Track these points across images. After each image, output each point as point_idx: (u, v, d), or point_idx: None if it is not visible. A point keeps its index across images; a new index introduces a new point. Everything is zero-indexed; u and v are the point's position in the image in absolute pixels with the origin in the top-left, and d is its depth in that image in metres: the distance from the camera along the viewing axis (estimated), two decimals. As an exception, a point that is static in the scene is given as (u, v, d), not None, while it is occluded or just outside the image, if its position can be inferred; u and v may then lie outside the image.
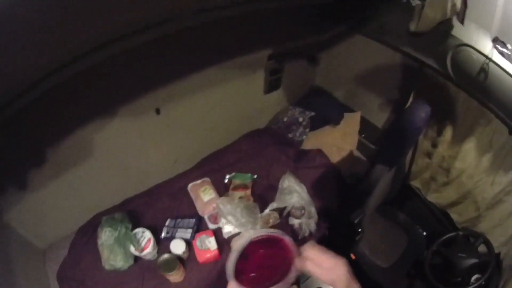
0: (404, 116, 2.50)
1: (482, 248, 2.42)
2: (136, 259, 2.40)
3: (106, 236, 2.32)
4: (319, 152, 3.16)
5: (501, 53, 2.20)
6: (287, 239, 0.96)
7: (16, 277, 2.14)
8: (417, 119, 2.40)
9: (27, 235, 2.45)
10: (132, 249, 2.33)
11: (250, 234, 0.97)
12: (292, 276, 0.89)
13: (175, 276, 2.28)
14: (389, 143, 2.82)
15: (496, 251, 2.46)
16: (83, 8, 1.28)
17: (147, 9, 1.58)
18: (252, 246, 0.98)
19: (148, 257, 2.40)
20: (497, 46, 2.20)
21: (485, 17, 2.27)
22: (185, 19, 1.95)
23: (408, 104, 2.70)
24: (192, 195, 2.81)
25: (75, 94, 2.08)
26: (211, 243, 2.41)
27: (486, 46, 2.24)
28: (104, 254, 2.31)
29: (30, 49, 1.32)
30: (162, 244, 2.49)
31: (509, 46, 2.17)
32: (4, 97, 1.59)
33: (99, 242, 2.36)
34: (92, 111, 2.32)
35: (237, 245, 0.98)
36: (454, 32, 2.36)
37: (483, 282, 2.27)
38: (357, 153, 3.31)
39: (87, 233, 2.57)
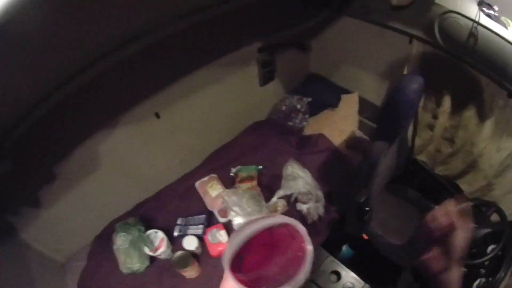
0: (396, 89, 2.38)
1: (495, 217, 2.39)
2: (152, 260, 2.45)
3: (121, 241, 2.37)
4: (321, 136, 3.18)
5: (488, 15, 2.19)
6: (299, 226, 0.83)
7: None
8: (410, 91, 2.28)
9: (46, 250, 2.49)
10: (146, 250, 2.37)
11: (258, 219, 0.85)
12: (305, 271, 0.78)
13: (191, 272, 2.32)
14: (385, 119, 2.70)
15: (510, 218, 2.39)
16: (83, 18, 1.34)
17: (142, 15, 1.65)
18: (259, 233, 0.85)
19: (163, 257, 2.43)
20: (483, 8, 2.18)
21: None
22: (177, 22, 2.05)
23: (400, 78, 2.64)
24: (200, 192, 2.85)
25: (76, 108, 2.13)
26: (222, 236, 2.45)
27: (472, 10, 2.21)
28: (121, 258, 2.36)
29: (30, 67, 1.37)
30: (175, 243, 2.53)
31: (495, 8, 2.16)
32: (9, 121, 1.65)
33: (115, 247, 2.40)
34: (94, 123, 2.37)
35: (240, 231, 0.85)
36: (437, 0, 2.35)
37: (499, 252, 2.20)
38: (359, 133, 3.34)
39: (103, 241, 2.61)
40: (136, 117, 2.58)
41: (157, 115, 2.73)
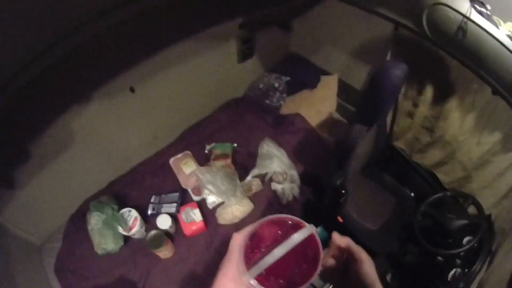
0: (380, 74, 2.39)
1: (472, 210, 2.46)
2: (126, 240, 2.43)
3: (95, 221, 2.35)
4: (298, 116, 3.17)
5: (480, 13, 2.15)
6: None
7: (14, 275, 2.16)
8: (393, 76, 2.32)
9: (21, 232, 2.46)
10: (120, 229, 2.34)
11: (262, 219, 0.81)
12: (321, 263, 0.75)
13: (165, 252, 2.30)
14: (366, 102, 2.71)
15: (487, 212, 2.47)
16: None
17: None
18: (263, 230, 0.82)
19: (137, 236, 2.42)
20: (475, 5, 2.15)
21: None
22: None
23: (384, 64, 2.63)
24: (174, 169, 2.83)
25: (49, 84, 2.04)
26: (196, 215, 2.44)
27: (464, 5, 2.17)
28: (95, 239, 2.35)
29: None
30: (149, 222, 2.51)
31: (488, 6, 2.13)
32: None
33: (89, 227, 2.38)
34: (68, 98, 2.30)
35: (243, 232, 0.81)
36: None
37: (475, 244, 2.26)
38: (336, 116, 3.34)
39: (78, 220, 2.59)
40: (110, 91, 2.51)
41: (132, 90, 2.66)
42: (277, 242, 0.76)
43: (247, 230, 0.80)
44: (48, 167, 2.42)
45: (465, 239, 2.28)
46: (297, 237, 0.75)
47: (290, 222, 0.78)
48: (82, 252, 2.42)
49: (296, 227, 0.78)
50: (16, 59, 1.56)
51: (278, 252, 0.74)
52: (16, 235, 2.42)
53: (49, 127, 2.29)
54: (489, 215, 2.54)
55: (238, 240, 0.79)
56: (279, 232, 0.79)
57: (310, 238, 0.77)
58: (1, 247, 2.23)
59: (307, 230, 0.76)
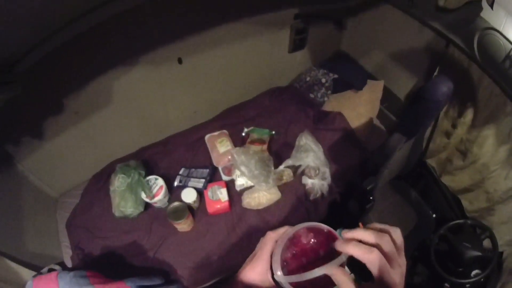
0: (426, 87, 2.40)
1: (487, 243, 2.37)
2: (147, 207, 2.35)
3: (119, 183, 2.26)
4: (339, 115, 3.04)
5: None
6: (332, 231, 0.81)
7: (23, 222, 2.13)
8: (439, 92, 2.33)
9: (40, 183, 2.41)
10: (143, 195, 2.25)
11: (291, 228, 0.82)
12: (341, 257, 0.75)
13: (183, 225, 2.21)
14: (409, 113, 2.73)
15: (500, 249, 2.40)
16: None
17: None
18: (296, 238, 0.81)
19: (158, 205, 2.34)
20: None
21: None
22: None
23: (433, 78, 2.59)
24: (208, 145, 2.74)
25: (95, 42, 1.99)
26: (222, 194, 2.33)
27: None
28: (116, 200, 2.25)
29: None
30: (174, 193, 2.43)
31: None
32: (24, 45, 1.53)
33: (111, 188, 2.30)
34: (113, 58, 2.21)
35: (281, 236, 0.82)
36: (483, 14, 2.23)
37: (481, 279, 2.23)
38: (376, 122, 3.22)
39: (101, 180, 2.53)
40: (157, 59, 2.41)
41: (180, 61, 2.54)
42: (310, 249, 0.78)
43: (281, 232, 0.82)
44: (80, 123, 2.36)
45: (474, 272, 2.25)
46: (336, 262, 0.74)
47: (325, 231, 0.80)
48: (99, 212, 2.36)
49: (329, 238, 0.79)
50: (69, 8, 1.51)
51: (319, 271, 0.73)
52: (34, 184, 2.37)
53: (89, 83, 2.21)
54: (502, 252, 2.46)
55: (271, 239, 0.81)
56: (314, 240, 0.79)
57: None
58: (16, 193, 2.18)
59: (343, 257, 0.75)
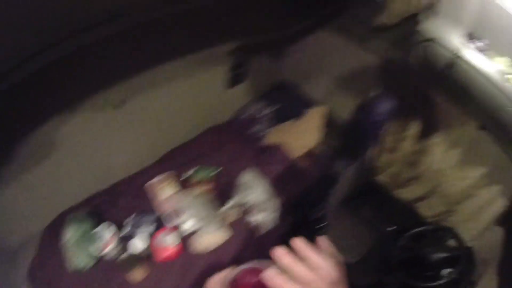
0: (367, 108, 2.57)
1: (454, 243, 2.57)
2: (100, 258, 2.45)
3: (70, 235, 2.40)
4: (281, 147, 3.22)
5: (473, 48, 2.24)
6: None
7: None
8: (379, 112, 2.48)
9: None
10: (93, 247, 2.38)
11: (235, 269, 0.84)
12: None
13: (137, 275, 2.35)
14: (350, 137, 2.90)
15: (469, 244, 2.58)
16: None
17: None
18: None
19: (110, 256, 2.44)
20: (469, 41, 2.23)
21: (458, 13, 2.28)
22: (151, 10, 2.02)
23: (371, 97, 2.74)
24: (153, 191, 2.85)
25: (35, 90, 2.10)
26: (171, 240, 2.47)
27: (456, 41, 2.27)
28: (69, 253, 2.38)
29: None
30: (123, 242, 2.52)
31: (485, 41, 2.20)
32: None
33: (64, 241, 2.42)
34: (54, 106, 2.35)
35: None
36: (422, 27, 2.41)
37: (455, 276, 2.39)
38: (321, 148, 3.34)
39: (53, 232, 2.58)
40: (97, 105, 2.57)
41: (119, 105, 2.71)
42: None
43: (223, 276, 0.84)
44: (27, 174, 2.46)
45: (446, 271, 2.41)
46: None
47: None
48: (55, 265, 2.43)
49: None
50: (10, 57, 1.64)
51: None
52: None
53: (31, 133, 2.34)
54: (470, 247, 2.62)
55: (215, 285, 0.84)
56: (256, 280, 0.79)
57: None
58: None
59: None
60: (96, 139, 2.78)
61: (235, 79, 3.44)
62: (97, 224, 2.53)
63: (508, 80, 2.16)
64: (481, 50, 2.23)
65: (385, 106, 2.50)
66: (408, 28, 2.50)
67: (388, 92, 2.74)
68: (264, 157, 3.21)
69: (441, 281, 2.39)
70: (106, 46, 2.13)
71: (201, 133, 3.51)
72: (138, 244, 2.47)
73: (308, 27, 3.30)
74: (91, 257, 2.41)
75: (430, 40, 2.39)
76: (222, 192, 2.90)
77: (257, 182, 2.75)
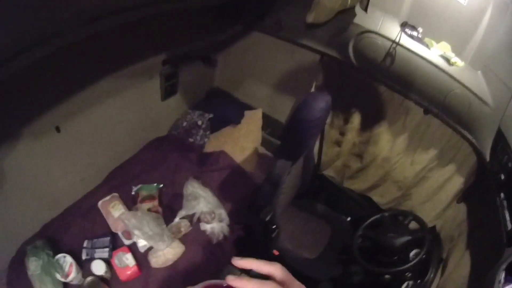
0: (301, 107, 2.70)
1: (415, 225, 2.83)
2: (65, 285, 2.61)
3: (33, 266, 2.53)
4: (222, 153, 3.55)
5: (411, 36, 2.54)
6: None
7: None
8: (316, 110, 2.62)
9: None
10: (58, 276, 2.52)
11: None
12: None
13: None
14: (288, 137, 3.10)
15: (431, 224, 2.88)
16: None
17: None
18: None
19: (75, 282, 2.60)
20: (406, 30, 2.53)
21: (393, 3, 2.59)
22: (78, 30, 2.06)
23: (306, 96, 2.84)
24: (103, 212, 3.04)
25: None
26: (129, 260, 2.69)
27: (393, 31, 2.56)
28: (36, 285, 2.52)
29: None
30: (84, 267, 2.70)
31: (419, 29, 2.51)
32: None
33: (29, 273, 2.54)
34: None
35: None
36: (357, 20, 2.69)
37: (424, 256, 2.57)
38: (262, 150, 3.72)
39: (18, 264, 2.69)
40: (35, 131, 2.69)
41: (57, 129, 2.85)
42: None
43: None
44: None
45: (412, 253, 2.63)
46: None
47: (224, 286, 0.79)
48: None
49: None
50: None
51: None
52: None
53: None
54: (433, 227, 2.94)
55: None
56: None
57: None
58: None
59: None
60: (39, 167, 2.91)
61: (168, 91, 3.71)
62: (56, 251, 2.67)
63: (454, 63, 2.50)
64: (417, 37, 2.55)
65: (320, 102, 2.63)
66: (344, 22, 2.77)
67: (323, 88, 3.11)
68: (206, 165, 3.52)
69: (411, 263, 2.55)
70: (35, 70, 2.19)
71: (142, 148, 3.81)
72: (99, 266, 2.65)
73: (238, 31, 3.60)
74: (58, 285, 2.58)
75: (367, 31, 2.68)
76: (170, 206, 3.19)
77: (201, 192, 3.06)
